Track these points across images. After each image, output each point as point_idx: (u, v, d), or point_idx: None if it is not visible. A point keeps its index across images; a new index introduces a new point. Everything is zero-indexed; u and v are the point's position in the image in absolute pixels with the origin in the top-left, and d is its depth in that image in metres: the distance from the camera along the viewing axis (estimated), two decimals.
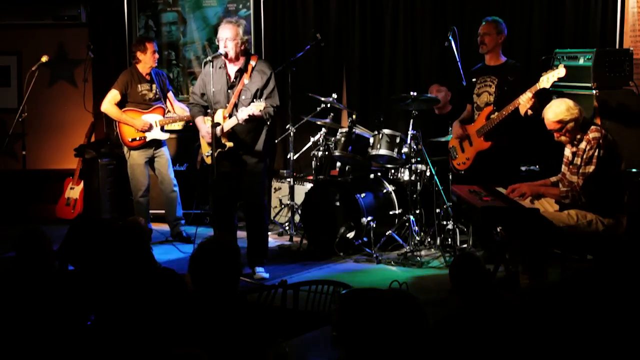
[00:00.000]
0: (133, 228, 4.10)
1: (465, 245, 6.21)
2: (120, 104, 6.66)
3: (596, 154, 4.68)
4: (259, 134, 5.62)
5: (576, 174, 4.78)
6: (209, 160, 5.67)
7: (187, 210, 7.12)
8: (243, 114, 5.39)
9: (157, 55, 6.70)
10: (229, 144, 5.53)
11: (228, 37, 5.46)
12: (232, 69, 5.58)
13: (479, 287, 3.34)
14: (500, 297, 3.47)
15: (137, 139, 6.67)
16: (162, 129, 6.72)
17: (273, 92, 5.57)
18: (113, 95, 6.65)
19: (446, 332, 2.61)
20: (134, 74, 6.70)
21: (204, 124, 5.62)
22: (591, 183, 4.68)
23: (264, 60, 6.03)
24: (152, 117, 6.69)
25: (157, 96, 6.73)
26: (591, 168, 4.69)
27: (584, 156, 4.72)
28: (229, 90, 5.57)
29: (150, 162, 6.79)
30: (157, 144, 6.78)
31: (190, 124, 6.85)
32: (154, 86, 6.72)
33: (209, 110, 5.61)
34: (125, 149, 6.75)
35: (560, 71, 5.12)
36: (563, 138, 4.82)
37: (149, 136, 6.67)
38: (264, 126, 5.63)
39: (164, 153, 6.81)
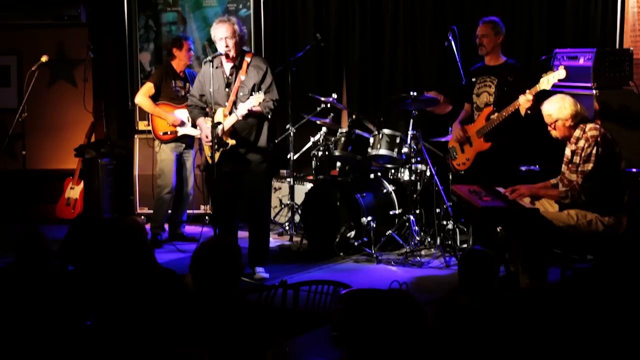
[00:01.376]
0: (131, 228, 4.08)
1: (465, 245, 6.21)
2: (153, 99, 6.70)
3: (594, 151, 4.68)
4: (260, 131, 5.62)
5: (575, 172, 4.79)
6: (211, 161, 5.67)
7: (189, 211, 7.11)
8: (242, 109, 5.39)
9: (192, 54, 6.81)
10: (231, 142, 5.53)
11: (227, 36, 5.45)
12: (228, 67, 5.57)
13: (489, 285, 3.33)
14: (501, 297, 3.46)
15: (169, 132, 6.70)
16: (193, 125, 6.74)
17: (271, 86, 5.56)
18: (147, 88, 6.71)
19: (450, 328, 2.59)
20: (169, 70, 6.77)
21: (205, 125, 5.62)
22: (590, 181, 4.69)
23: (259, 55, 6.03)
24: (184, 113, 6.70)
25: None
26: (590, 166, 4.69)
27: (582, 154, 4.73)
28: (227, 89, 5.56)
29: (178, 161, 6.79)
30: (188, 143, 6.80)
31: None
32: (187, 84, 6.77)
33: (207, 110, 5.62)
34: (157, 142, 6.80)
35: (560, 73, 5.13)
36: (553, 132, 4.88)
37: (181, 131, 6.71)
38: (264, 123, 5.62)
39: (191, 156, 6.86)
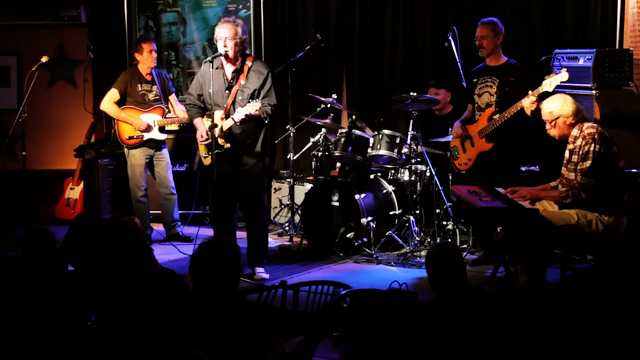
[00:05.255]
0: (128, 228, 4.08)
1: (465, 246, 6.20)
2: (120, 104, 6.69)
3: (592, 149, 4.68)
4: (258, 135, 5.62)
5: (574, 170, 4.79)
6: (206, 162, 5.67)
7: (187, 211, 7.11)
8: (239, 114, 5.38)
9: (154, 55, 6.72)
10: (226, 145, 5.53)
11: (227, 36, 5.45)
12: (229, 69, 5.57)
13: (454, 278, 3.32)
14: (476, 291, 3.44)
15: (135, 137, 6.68)
16: (160, 129, 6.73)
17: (270, 91, 5.56)
18: (112, 94, 6.69)
19: (422, 324, 2.59)
20: (134, 74, 6.73)
21: (202, 126, 5.61)
22: (589, 178, 4.68)
23: (260, 60, 6.01)
24: (151, 117, 6.70)
25: (157, 97, 6.75)
26: (588, 163, 4.68)
27: (580, 152, 4.73)
28: (226, 91, 5.56)
29: (150, 164, 6.80)
30: (157, 145, 6.78)
31: (184, 125, 6.89)
32: (154, 87, 6.74)
33: (207, 112, 5.62)
34: (125, 147, 6.76)
35: (563, 76, 5.13)
36: (552, 131, 4.88)
37: (147, 135, 6.69)
38: (262, 126, 5.62)
39: (165, 156, 6.82)
